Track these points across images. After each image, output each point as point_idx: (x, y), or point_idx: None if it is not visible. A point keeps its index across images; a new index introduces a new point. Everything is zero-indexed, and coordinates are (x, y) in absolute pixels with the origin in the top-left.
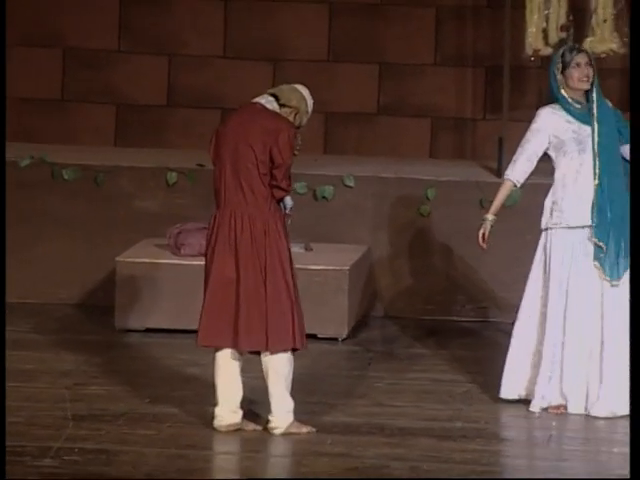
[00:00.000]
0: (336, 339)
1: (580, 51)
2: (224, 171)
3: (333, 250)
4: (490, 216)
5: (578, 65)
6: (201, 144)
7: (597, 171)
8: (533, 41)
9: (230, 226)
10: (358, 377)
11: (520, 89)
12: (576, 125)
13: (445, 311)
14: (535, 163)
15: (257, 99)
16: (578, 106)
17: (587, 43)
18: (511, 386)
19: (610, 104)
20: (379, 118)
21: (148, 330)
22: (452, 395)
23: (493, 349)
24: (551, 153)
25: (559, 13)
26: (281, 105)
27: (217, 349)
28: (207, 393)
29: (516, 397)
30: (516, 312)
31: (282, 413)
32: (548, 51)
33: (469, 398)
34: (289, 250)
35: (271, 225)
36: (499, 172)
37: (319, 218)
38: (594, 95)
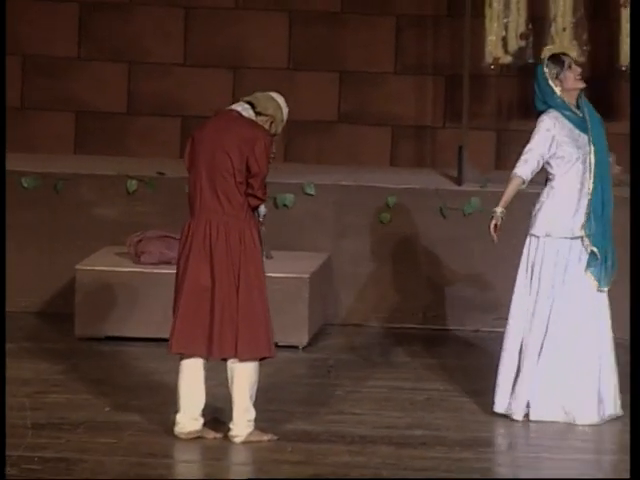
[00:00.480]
0: (297, 347)
1: (566, 55)
2: (199, 179)
3: (293, 258)
4: (500, 209)
5: (571, 66)
6: (162, 152)
7: (593, 180)
8: (493, 49)
9: (205, 234)
10: (318, 385)
11: (480, 97)
12: (576, 132)
13: (405, 319)
14: (540, 166)
15: (233, 106)
16: (575, 112)
17: (546, 51)
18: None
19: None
20: (339, 126)
21: (108, 338)
22: (413, 403)
23: (452, 357)
24: (551, 160)
25: (518, 21)
26: (257, 113)
27: (183, 356)
28: (167, 401)
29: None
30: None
31: (243, 422)
32: (508, 59)
33: (430, 406)
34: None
35: (247, 233)
36: (459, 180)
37: (280, 226)
38: (583, 101)
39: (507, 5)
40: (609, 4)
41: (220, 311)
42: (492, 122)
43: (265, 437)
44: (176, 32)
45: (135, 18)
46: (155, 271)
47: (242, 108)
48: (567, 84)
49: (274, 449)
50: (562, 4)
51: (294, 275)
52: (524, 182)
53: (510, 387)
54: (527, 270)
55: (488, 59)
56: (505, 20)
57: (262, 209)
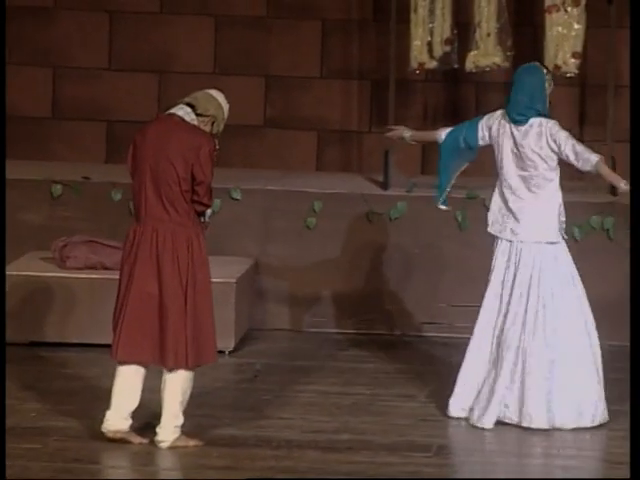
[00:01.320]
0: (223, 352)
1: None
2: (144, 186)
3: (220, 263)
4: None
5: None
6: (86, 157)
7: None
8: (418, 54)
9: (152, 242)
10: (245, 390)
11: (406, 102)
12: None
13: (331, 324)
14: None
15: (174, 110)
16: None
17: (471, 57)
18: (460, 403)
19: None
20: (266, 131)
21: (33, 343)
22: (339, 407)
23: (379, 361)
24: (555, 163)
25: (443, 27)
26: (198, 115)
27: (124, 362)
28: (93, 407)
29: (464, 415)
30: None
31: (170, 427)
32: (433, 64)
33: (356, 410)
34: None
35: (194, 241)
36: (385, 185)
37: (206, 231)
38: None
39: (432, 10)
40: (533, 10)
41: (168, 319)
42: (418, 127)
43: (191, 442)
44: (101, 36)
45: (60, 22)
46: (80, 276)
47: (184, 112)
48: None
49: (200, 454)
50: (486, 10)
51: (220, 280)
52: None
53: (475, 392)
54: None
55: (413, 64)
56: (430, 25)
57: (208, 211)
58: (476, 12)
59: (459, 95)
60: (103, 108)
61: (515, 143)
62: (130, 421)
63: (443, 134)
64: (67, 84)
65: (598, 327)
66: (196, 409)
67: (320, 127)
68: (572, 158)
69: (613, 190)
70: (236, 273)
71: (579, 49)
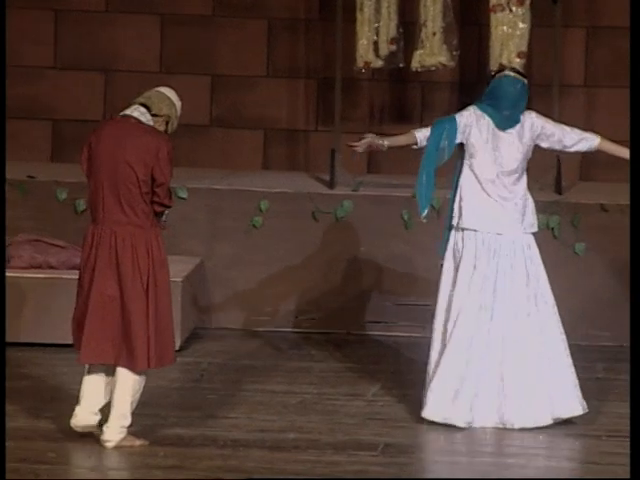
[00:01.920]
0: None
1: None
2: (101, 188)
3: None
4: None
5: None
6: (32, 156)
7: None
8: (364, 53)
9: (111, 245)
10: (191, 389)
11: (352, 101)
12: None
13: (278, 322)
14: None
15: (129, 111)
16: None
17: (417, 56)
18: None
19: None
20: (212, 130)
21: None
22: (286, 406)
23: (326, 360)
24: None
25: (389, 26)
26: (153, 115)
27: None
28: (40, 407)
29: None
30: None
31: (117, 427)
32: (379, 63)
33: (303, 409)
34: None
35: (153, 243)
36: (331, 184)
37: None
38: None
39: (378, 10)
40: (479, 10)
41: (130, 321)
42: (364, 126)
43: (137, 442)
44: (46, 35)
45: (6, 20)
46: (25, 275)
47: (139, 113)
48: None
49: (147, 454)
50: (432, 9)
51: None
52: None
53: (448, 392)
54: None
55: (359, 63)
56: (376, 25)
57: (166, 212)
58: (422, 11)
59: (405, 94)
60: (48, 107)
61: (498, 141)
62: (99, 416)
63: (421, 138)
64: (12, 83)
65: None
66: (142, 409)
67: (266, 126)
68: (574, 140)
69: (558, 189)
70: (182, 272)
71: (524, 48)
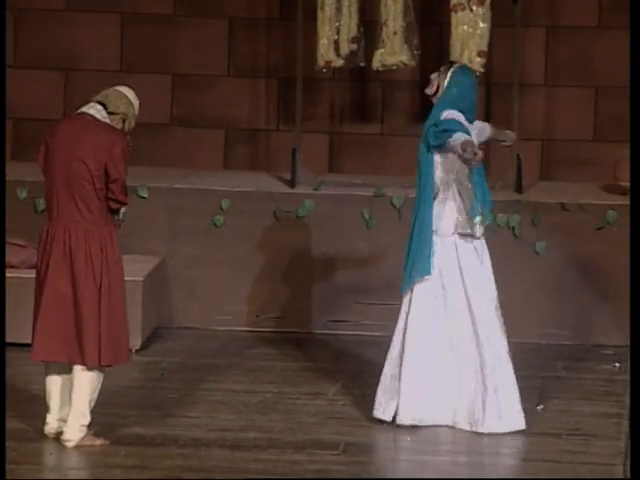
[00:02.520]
0: (130, 350)
1: (445, 66)
2: (55, 185)
3: (127, 261)
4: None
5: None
6: None
7: None
8: (325, 53)
9: (65, 242)
10: (152, 388)
11: (313, 100)
12: None
13: (240, 321)
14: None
15: (85, 109)
16: None
17: (378, 55)
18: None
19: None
20: (173, 129)
21: None
22: (246, 405)
23: (286, 359)
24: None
25: (350, 25)
26: (109, 113)
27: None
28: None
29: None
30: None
31: (77, 426)
32: (339, 63)
33: (263, 408)
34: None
35: (107, 239)
36: (293, 183)
37: (119, 229)
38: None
39: (339, 9)
40: (439, 9)
41: (82, 318)
42: (325, 125)
43: (97, 441)
44: (6, 33)
45: None
46: None
47: (95, 110)
48: None
49: (107, 453)
50: (393, 8)
51: (127, 278)
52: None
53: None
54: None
55: (320, 62)
56: (337, 24)
57: (122, 209)
58: (382, 10)
59: (366, 93)
60: (9, 106)
61: None
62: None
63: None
64: None
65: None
66: (102, 408)
67: (227, 125)
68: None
69: (519, 188)
70: (143, 271)
71: (484, 48)
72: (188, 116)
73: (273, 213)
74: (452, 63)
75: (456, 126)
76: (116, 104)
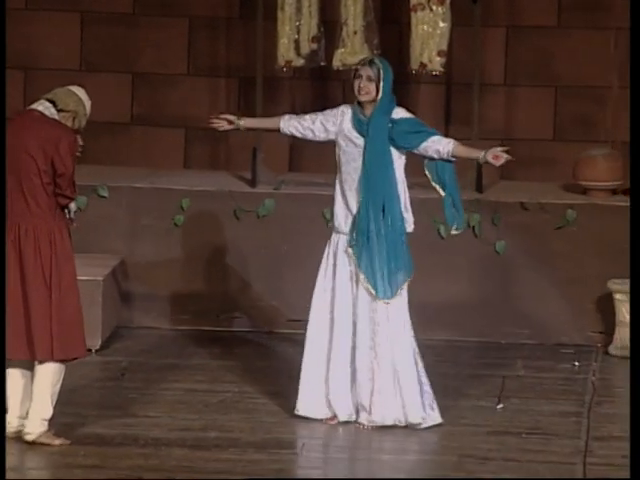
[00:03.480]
0: (90, 350)
1: (369, 64)
2: (8, 181)
3: (87, 261)
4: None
5: (359, 77)
6: None
7: (362, 186)
8: (285, 52)
9: (15, 237)
10: (112, 388)
11: (273, 100)
12: (355, 133)
13: (200, 321)
14: (308, 129)
15: (34, 105)
16: (362, 117)
17: (338, 55)
18: (310, 403)
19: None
20: (133, 128)
21: None
22: (207, 405)
23: (247, 358)
24: (337, 150)
25: (310, 24)
26: (59, 110)
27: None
28: None
29: (319, 415)
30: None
31: (38, 420)
32: (300, 62)
33: (224, 407)
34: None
35: (57, 235)
36: (253, 182)
37: (73, 227)
38: (374, 111)
39: (299, 8)
40: (399, 9)
41: (32, 313)
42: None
43: (57, 441)
44: None
45: None
46: None
47: (43, 107)
48: (354, 91)
49: (67, 453)
50: (353, 8)
51: (87, 278)
52: (280, 129)
53: (318, 388)
54: (329, 267)
55: (280, 62)
56: (297, 23)
57: (72, 206)
58: (342, 10)
59: (326, 93)
60: None
61: None
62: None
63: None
64: None
65: (464, 326)
66: (62, 407)
67: (187, 124)
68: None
69: (479, 187)
70: (103, 271)
71: (444, 47)
72: (148, 115)
73: (233, 212)
74: (368, 61)
75: (427, 127)
76: (66, 102)
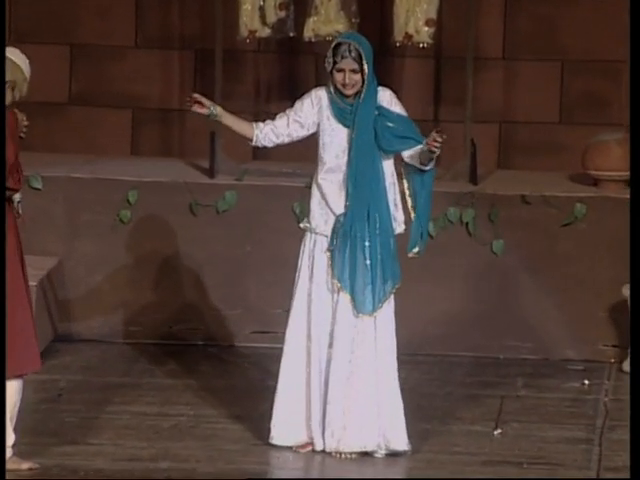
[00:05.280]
0: (40, 357)
1: (349, 55)
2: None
3: None
4: None
5: (341, 71)
6: None
7: (350, 183)
8: (248, 21)
9: None
10: (47, 411)
11: (235, 76)
12: (334, 122)
13: (149, 333)
14: (284, 136)
15: None
16: (343, 105)
17: (310, 24)
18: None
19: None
20: (71, 109)
21: None
22: (157, 431)
23: (204, 376)
24: (319, 142)
25: None
26: None
27: None
28: None
29: (294, 443)
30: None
31: None
32: (266, 32)
33: (177, 434)
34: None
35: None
36: (211, 172)
37: (21, 222)
38: (361, 100)
39: None
40: None
41: None
42: (249, 104)
43: (24, 465)
44: None
45: None
46: None
47: None
48: (335, 83)
49: None
50: None
51: None
52: (251, 139)
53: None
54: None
55: (243, 32)
56: None
57: (16, 197)
58: None
59: (296, 68)
60: None
61: None
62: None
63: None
64: None
65: (455, 339)
66: None
67: (135, 104)
68: None
69: (473, 178)
70: (37, 275)
71: (433, 15)
72: (89, 94)
73: (189, 207)
74: (348, 51)
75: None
76: None
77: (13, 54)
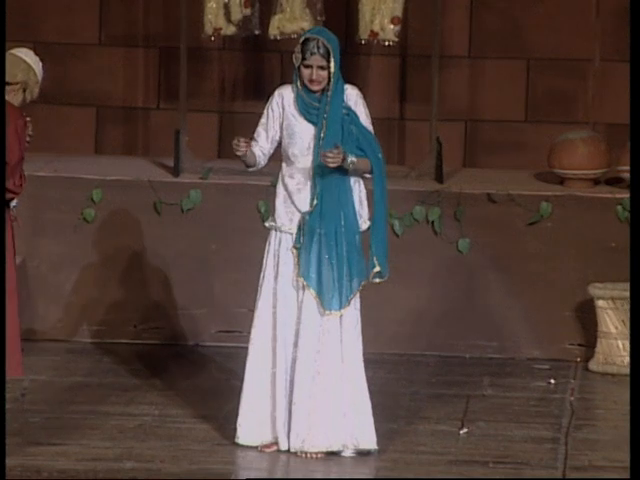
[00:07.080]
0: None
1: (317, 51)
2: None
3: None
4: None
5: (309, 67)
6: None
7: (316, 180)
8: (213, 18)
9: None
10: (10, 411)
11: (200, 74)
12: (300, 118)
13: (115, 333)
14: (269, 148)
15: None
16: (309, 101)
17: (275, 21)
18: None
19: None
20: (34, 107)
21: None
22: (122, 430)
23: (170, 375)
24: (283, 140)
25: None
26: (6, 84)
27: None
28: None
29: (260, 442)
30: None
31: None
32: (231, 30)
33: (142, 433)
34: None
35: None
36: (176, 170)
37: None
38: (329, 98)
39: None
40: None
41: None
42: (214, 103)
43: None
44: None
45: None
46: None
47: None
48: (302, 78)
49: None
50: None
51: None
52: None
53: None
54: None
55: (208, 30)
56: None
57: (14, 201)
58: None
59: (262, 66)
60: None
61: None
62: None
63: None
64: None
65: (420, 338)
66: None
67: (99, 103)
68: None
69: (439, 176)
70: None
71: (399, 13)
72: (51, 91)
73: (153, 206)
74: (316, 47)
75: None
76: (13, 73)
77: (27, 55)
